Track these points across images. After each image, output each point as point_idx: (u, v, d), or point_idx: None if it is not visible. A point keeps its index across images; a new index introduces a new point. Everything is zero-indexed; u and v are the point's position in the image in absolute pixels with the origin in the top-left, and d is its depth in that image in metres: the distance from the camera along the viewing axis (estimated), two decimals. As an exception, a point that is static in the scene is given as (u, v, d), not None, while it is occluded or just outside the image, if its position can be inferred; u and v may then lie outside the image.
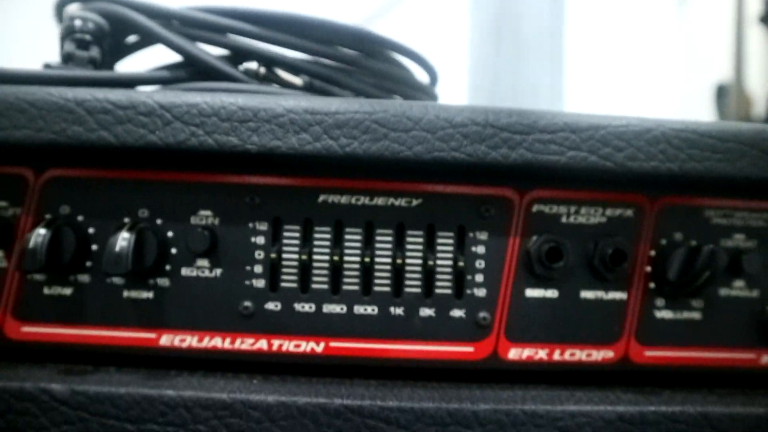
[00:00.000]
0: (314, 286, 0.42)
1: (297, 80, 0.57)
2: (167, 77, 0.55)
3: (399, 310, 0.42)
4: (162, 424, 0.38)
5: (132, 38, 0.59)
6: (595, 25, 2.03)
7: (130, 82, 0.53)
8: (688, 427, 0.40)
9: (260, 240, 0.42)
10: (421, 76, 0.67)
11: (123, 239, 0.38)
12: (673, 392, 0.43)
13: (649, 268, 0.44)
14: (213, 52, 0.55)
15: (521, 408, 0.39)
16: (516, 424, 0.39)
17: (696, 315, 0.44)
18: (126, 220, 0.42)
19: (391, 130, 0.40)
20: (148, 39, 0.57)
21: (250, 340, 0.42)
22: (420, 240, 0.43)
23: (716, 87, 2.06)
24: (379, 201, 0.43)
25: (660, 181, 0.43)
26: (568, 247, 0.43)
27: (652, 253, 0.44)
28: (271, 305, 0.42)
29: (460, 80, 1.71)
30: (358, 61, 0.59)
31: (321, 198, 0.42)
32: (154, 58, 0.58)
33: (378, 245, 0.42)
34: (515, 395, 0.41)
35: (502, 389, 0.42)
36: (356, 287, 0.42)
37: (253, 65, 0.57)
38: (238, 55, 0.56)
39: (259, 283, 0.42)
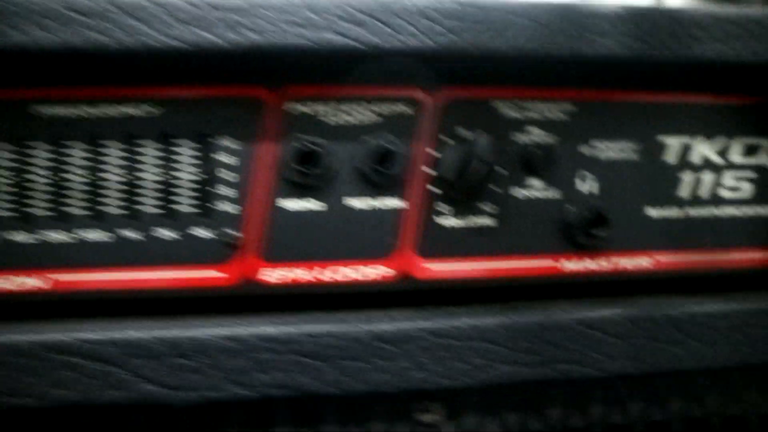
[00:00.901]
0: (33, 211, 0.36)
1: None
2: None
3: (135, 234, 0.37)
4: None
5: None
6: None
7: None
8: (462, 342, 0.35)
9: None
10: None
11: None
12: (466, 308, 0.38)
13: (430, 171, 0.39)
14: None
15: (250, 332, 0.34)
16: (251, 350, 0.34)
17: (487, 221, 0.39)
18: None
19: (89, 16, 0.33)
20: None
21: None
22: (156, 153, 0.37)
23: None
24: (104, 111, 0.36)
25: (438, 69, 0.37)
26: (325, 149, 0.37)
27: (435, 153, 0.39)
28: (-20, 236, 0.36)
29: None
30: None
31: (33, 109, 0.36)
32: None
33: (106, 161, 0.36)
34: (264, 320, 0.36)
35: (258, 317, 0.36)
36: (83, 211, 0.36)
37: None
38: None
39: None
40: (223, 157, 0.37)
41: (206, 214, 0.37)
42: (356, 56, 0.35)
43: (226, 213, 0.37)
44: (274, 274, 0.38)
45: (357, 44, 0.34)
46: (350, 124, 0.38)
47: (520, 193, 0.39)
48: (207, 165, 0.37)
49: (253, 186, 0.37)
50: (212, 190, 0.37)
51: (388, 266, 0.38)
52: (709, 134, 0.42)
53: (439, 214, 0.39)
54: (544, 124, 0.40)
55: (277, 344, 0.34)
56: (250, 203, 0.37)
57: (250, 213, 0.37)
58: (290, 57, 0.35)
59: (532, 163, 0.39)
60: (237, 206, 0.37)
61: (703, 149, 0.42)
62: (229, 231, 0.37)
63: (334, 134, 0.38)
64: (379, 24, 0.34)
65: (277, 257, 0.37)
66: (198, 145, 0.37)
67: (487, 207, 0.39)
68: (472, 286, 0.39)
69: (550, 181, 0.39)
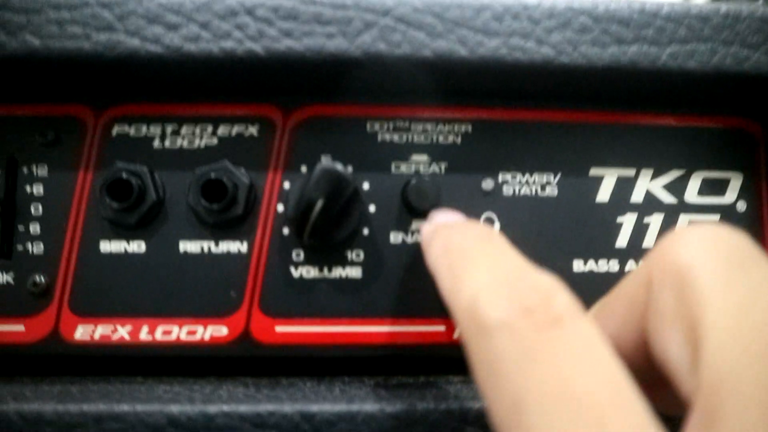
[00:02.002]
0: None
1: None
2: None
3: (-76, 277, 0.31)
4: None
5: None
6: None
7: None
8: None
9: None
10: None
11: None
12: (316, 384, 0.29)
13: (281, 208, 0.31)
14: None
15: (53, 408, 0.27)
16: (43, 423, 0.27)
17: (355, 272, 0.31)
18: None
19: None
20: None
21: None
22: (-42, 180, 0.31)
23: None
24: None
25: (290, 81, 0.30)
26: (151, 181, 0.30)
27: (287, 185, 0.31)
28: None
29: None
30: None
31: None
32: None
33: None
34: (66, 390, 0.28)
35: (62, 382, 0.29)
36: None
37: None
38: None
39: None
40: (35, 188, 0.31)
41: (6, 254, 0.31)
42: (186, 68, 0.29)
43: (30, 254, 0.30)
44: (81, 331, 0.30)
45: (176, 54, 0.28)
46: (184, 150, 0.31)
47: (399, 238, 0.31)
48: (9, 196, 0.31)
49: (65, 223, 0.31)
50: (15, 226, 0.31)
51: (227, 325, 0.30)
52: (656, 166, 0.32)
53: (294, 262, 0.31)
54: (433, 151, 0.31)
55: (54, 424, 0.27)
56: (59, 244, 0.30)
57: (62, 256, 0.30)
58: (112, 70, 0.29)
59: (415, 200, 0.30)
60: (46, 246, 0.31)
61: (648, 186, 0.32)
62: (38, 277, 0.30)
63: (163, 162, 0.31)
64: (196, 27, 0.28)
65: (87, 310, 0.30)
66: (5, 173, 0.31)
67: (354, 255, 0.31)
68: (331, 354, 0.30)
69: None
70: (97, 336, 0.30)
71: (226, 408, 0.27)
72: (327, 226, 0.28)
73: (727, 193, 0.32)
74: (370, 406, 0.27)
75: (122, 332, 0.30)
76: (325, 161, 0.28)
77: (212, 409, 0.26)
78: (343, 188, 0.27)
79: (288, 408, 0.27)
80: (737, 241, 0.18)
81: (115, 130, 0.31)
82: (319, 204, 0.27)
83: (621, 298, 0.20)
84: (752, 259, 0.17)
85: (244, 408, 0.27)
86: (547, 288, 0.19)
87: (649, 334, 0.19)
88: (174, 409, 0.27)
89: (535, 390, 0.16)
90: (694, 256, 0.17)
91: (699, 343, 0.16)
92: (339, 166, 0.27)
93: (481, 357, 0.18)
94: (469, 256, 0.21)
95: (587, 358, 0.17)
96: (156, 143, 0.31)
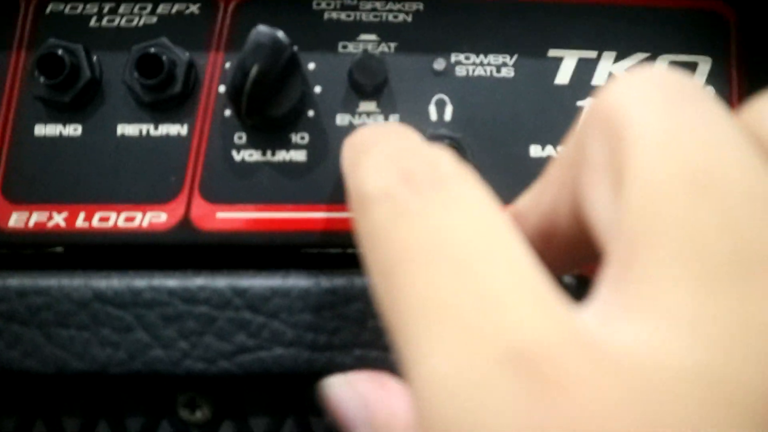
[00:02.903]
0: None
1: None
2: None
3: None
4: None
5: None
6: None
7: None
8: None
9: None
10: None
11: None
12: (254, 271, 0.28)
13: (224, 89, 0.30)
14: None
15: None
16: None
17: (299, 155, 0.29)
18: None
19: None
20: None
21: None
22: None
23: None
24: None
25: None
26: (85, 59, 0.29)
27: (228, 65, 0.30)
28: None
29: None
30: None
31: None
32: None
33: None
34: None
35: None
36: None
37: None
38: None
39: None
40: (-39, 69, 0.29)
41: (-60, 139, 0.29)
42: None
43: (-37, 138, 0.29)
44: (15, 218, 0.29)
45: None
46: (121, 27, 0.30)
47: (345, 120, 0.29)
48: (-58, 78, 0.29)
49: (0, 107, 0.29)
50: (-51, 110, 0.29)
51: (166, 212, 0.29)
52: (620, 48, 0.30)
53: (236, 146, 0.29)
54: (382, 30, 0.30)
55: (-26, 299, 0.26)
56: (-8, 126, 0.29)
57: (-8, 139, 0.29)
58: None
59: (361, 77, 0.29)
60: (-23, 131, 0.29)
61: (610, 68, 0.30)
62: (-31, 162, 0.29)
63: (99, 40, 0.29)
64: None
65: (21, 196, 0.29)
66: (-66, 55, 0.29)
67: (298, 138, 0.29)
68: (271, 240, 0.29)
69: (389, 106, 0.29)
70: (31, 224, 0.29)
71: (155, 283, 0.25)
72: (265, 98, 0.27)
73: (695, 79, 0.31)
74: (305, 282, 0.25)
75: (58, 219, 0.29)
76: (261, 27, 0.26)
77: (139, 283, 0.25)
78: (279, 52, 0.26)
79: (220, 283, 0.25)
80: (680, 81, 0.15)
81: (50, 8, 0.30)
82: (254, 71, 0.25)
83: (557, 164, 0.18)
84: (694, 96, 0.15)
85: (173, 282, 0.25)
86: (433, 154, 0.17)
87: (580, 196, 0.16)
88: (101, 283, 0.25)
89: (407, 248, 0.15)
90: (626, 98, 0.15)
91: (621, 185, 0.14)
92: (276, 31, 0.26)
93: (363, 231, 0.17)
94: (369, 145, 0.20)
95: (467, 215, 0.15)
96: (92, 22, 0.30)
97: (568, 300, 0.13)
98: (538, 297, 0.13)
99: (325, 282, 0.25)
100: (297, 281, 0.25)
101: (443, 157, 0.17)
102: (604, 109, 0.15)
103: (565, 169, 0.17)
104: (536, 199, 0.19)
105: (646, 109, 0.14)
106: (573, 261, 0.20)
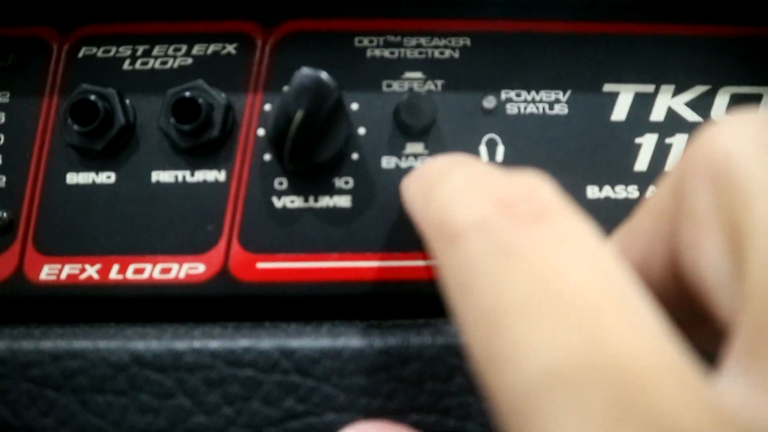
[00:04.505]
0: None
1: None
2: None
3: None
4: None
5: None
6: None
7: None
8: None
9: None
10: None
11: None
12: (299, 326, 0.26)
13: (263, 132, 0.28)
14: None
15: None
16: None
17: (343, 201, 0.28)
18: None
19: None
20: None
21: None
22: None
23: None
24: None
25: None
26: (118, 104, 0.27)
27: (267, 107, 0.28)
28: None
29: None
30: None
31: None
32: None
33: None
34: (27, 331, 0.26)
35: (24, 325, 0.27)
36: None
37: None
38: None
39: None
40: (-8, 116, 0.28)
41: (-32, 189, 0.28)
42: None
43: (-8, 188, 0.28)
44: (46, 271, 0.28)
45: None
46: (155, 70, 0.28)
47: (391, 162, 0.28)
48: (-29, 126, 0.28)
49: (28, 154, 0.28)
50: (-22, 158, 0.28)
51: (204, 263, 0.28)
52: (678, 81, 0.29)
53: (276, 192, 0.28)
54: (428, 67, 0.28)
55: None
56: (23, 176, 0.28)
57: (22, 188, 0.28)
58: None
59: (408, 118, 0.27)
60: (8, 179, 0.28)
61: (670, 103, 0.29)
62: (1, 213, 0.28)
63: (132, 84, 0.28)
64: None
65: (53, 248, 0.28)
66: (-38, 101, 0.28)
67: (342, 182, 0.28)
68: (315, 292, 0.27)
69: (437, 147, 0.28)
70: (63, 276, 0.28)
71: (196, 344, 0.24)
72: (309, 144, 0.25)
73: (761, 111, 0.29)
74: (357, 342, 0.24)
75: (91, 271, 0.28)
76: (305, 69, 0.25)
77: (181, 345, 0.24)
78: (325, 96, 0.24)
79: (266, 344, 0.24)
80: None
81: (82, 52, 0.29)
82: (298, 116, 0.24)
83: (647, 213, 0.16)
84: None
85: (216, 344, 0.24)
86: (529, 182, 0.15)
87: (680, 252, 0.15)
88: (139, 345, 0.24)
89: (514, 290, 0.13)
90: (737, 144, 0.13)
91: (742, 249, 0.12)
92: (320, 73, 0.24)
93: (451, 268, 0.15)
94: (443, 174, 0.18)
95: (578, 254, 0.13)
96: (126, 65, 0.28)
97: (696, 364, 0.12)
98: (676, 368, 0.11)
99: (378, 342, 0.24)
100: (348, 341, 0.24)
101: (542, 185, 0.15)
102: (710, 155, 0.14)
103: (658, 220, 0.16)
104: (621, 252, 0.17)
105: (761, 159, 0.13)
106: None
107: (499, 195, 0.15)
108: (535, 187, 0.15)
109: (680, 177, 0.15)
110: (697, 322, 0.15)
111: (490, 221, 0.14)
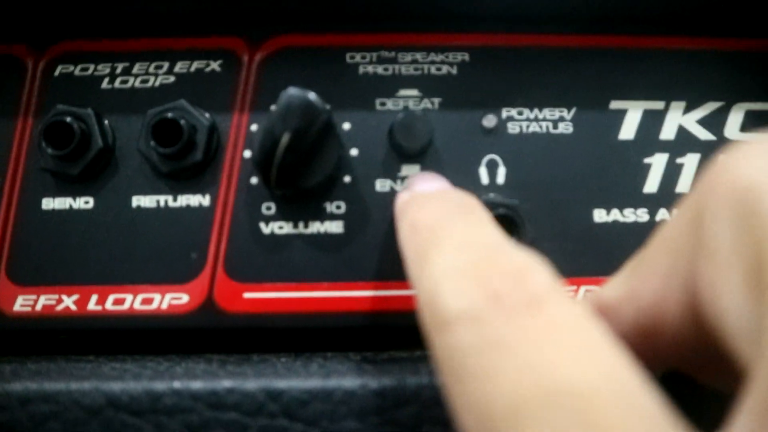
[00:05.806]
0: None
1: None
2: None
3: None
4: None
5: None
6: None
7: None
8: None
9: None
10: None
11: None
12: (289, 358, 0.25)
13: (249, 153, 0.27)
14: None
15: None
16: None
17: (335, 227, 0.26)
18: None
19: None
20: None
21: None
22: None
23: None
24: None
25: (255, 14, 0.26)
26: (95, 125, 0.26)
27: (254, 127, 0.27)
28: None
29: None
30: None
31: None
32: None
33: None
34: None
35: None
36: None
37: None
38: None
39: None
40: (-37, 138, 0.27)
41: (-62, 216, 0.27)
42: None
43: (-36, 215, 0.26)
44: (21, 302, 0.26)
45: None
46: (135, 89, 0.27)
47: (386, 185, 0.26)
48: (-59, 149, 0.27)
49: (1, 179, 0.27)
50: (-51, 183, 0.27)
51: (188, 293, 0.26)
52: (689, 97, 0.27)
53: (264, 217, 0.26)
54: (424, 84, 0.27)
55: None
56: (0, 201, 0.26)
57: (-5, 215, 0.26)
58: (52, 2, 0.25)
59: (403, 139, 0.26)
60: (-21, 206, 0.27)
61: (680, 121, 0.27)
62: (-29, 240, 0.26)
63: (111, 104, 0.27)
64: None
65: (27, 278, 0.26)
66: (-67, 123, 0.27)
67: (333, 207, 0.26)
68: (304, 323, 0.26)
69: (434, 169, 0.26)
70: (39, 307, 0.26)
71: (177, 385, 0.22)
72: (297, 168, 0.24)
73: (776, 128, 0.27)
74: (350, 382, 0.22)
75: (68, 302, 0.26)
76: (292, 89, 0.23)
77: (160, 386, 0.22)
78: (313, 118, 0.23)
79: (251, 385, 0.22)
80: None
81: (59, 70, 0.27)
82: (285, 138, 0.23)
83: (663, 245, 0.15)
84: None
85: (198, 385, 0.22)
86: (520, 267, 0.15)
87: (698, 289, 0.14)
88: (115, 387, 0.22)
89: (510, 390, 0.12)
90: (758, 172, 0.12)
91: (766, 292, 0.11)
92: (308, 93, 0.23)
93: (444, 358, 0.15)
94: (437, 236, 0.18)
95: (577, 345, 0.13)
96: (104, 84, 0.27)
97: None
98: None
99: (372, 382, 0.22)
100: (340, 381, 0.22)
101: (532, 268, 0.15)
102: (732, 185, 0.13)
103: (675, 254, 0.15)
104: (633, 288, 0.16)
105: None
106: (678, 360, 0.17)
107: (490, 283, 0.15)
108: (527, 271, 0.15)
109: (698, 207, 0.14)
110: (716, 361, 0.14)
111: (480, 313, 0.14)
